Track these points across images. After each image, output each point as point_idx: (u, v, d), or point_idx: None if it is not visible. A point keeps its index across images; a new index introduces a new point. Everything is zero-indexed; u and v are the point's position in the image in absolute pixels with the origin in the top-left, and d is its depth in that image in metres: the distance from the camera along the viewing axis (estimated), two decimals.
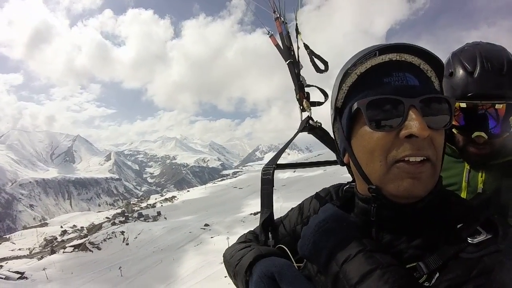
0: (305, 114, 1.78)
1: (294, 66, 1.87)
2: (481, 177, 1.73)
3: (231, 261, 1.27)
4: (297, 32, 1.91)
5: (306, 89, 1.87)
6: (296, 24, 1.93)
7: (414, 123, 0.85)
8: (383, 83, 0.93)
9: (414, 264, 0.89)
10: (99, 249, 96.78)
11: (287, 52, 1.91)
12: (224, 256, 1.42)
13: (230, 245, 1.51)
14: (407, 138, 0.86)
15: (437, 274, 0.86)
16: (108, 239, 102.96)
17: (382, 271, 0.82)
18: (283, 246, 1.24)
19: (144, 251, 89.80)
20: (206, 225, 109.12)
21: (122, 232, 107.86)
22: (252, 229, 1.59)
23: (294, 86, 1.86)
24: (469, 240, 0.85)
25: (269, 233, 1.35)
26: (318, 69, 1.86)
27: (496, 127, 1.61)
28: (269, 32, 2.05)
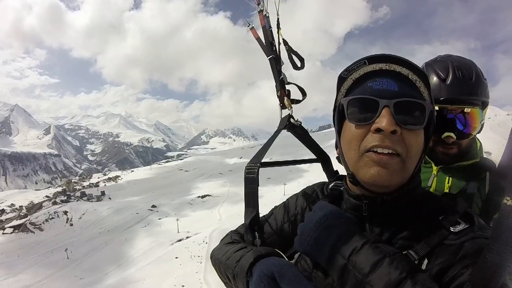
0: (284, 112, 1.81)
1: (276, 62, 1.88)
2: (448, 182, 1.87)
3: (228, 262, 1.26)
4: (278, 27, 1.91)
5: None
6: (278, 18, 1.93)
7: (383, 119, 0.99)
8: (367, 86, 1.07)
9: (405, 252, 1.00)
10: (41, 230, 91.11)
11: (269, 47, 1.89)
12: (215, 257, 1.42)
13: (217, 247, 1.51)
14: (376, 131, 1.01)
15: (426, 260, 1.00)
16: (51, 219, 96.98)
17: (390, 259, 0.90)
18: (278, 251, 1.25)
19: (90, 232, 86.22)
20: (154, 206, 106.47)
21: (65, 212, 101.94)
22: (235, 229, 1.60)
23: (275, 83, 1.87)
24: (451, 229, 1.00)
25: (256, 232, 1.37)
26: (295, 66, 1.92)
27: (464, 129, 1.78)
28: (249, 24, 2.03)
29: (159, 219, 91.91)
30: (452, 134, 1.74)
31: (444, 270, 0.95)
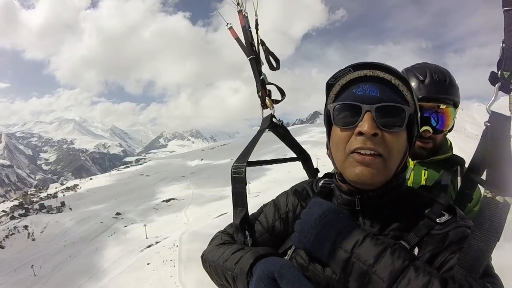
0: (266, 112, 1.81)
1: (256, 63, 1.87)
2: (424, 175, 1.97)
3: (227, 264, 1.24)
4: (257, 28, 1.92)
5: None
6: (256, 19, 1.92)
7: (365, 123, 1.07)
8: (351, 93, 1.15)
9: (397, 243, 1.06)
10: (2, 247, 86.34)
11: (249, 48, 1.88)
12: (209, 260, 1.38)
13: (208, 249, 1.46)
14: (359, 134, 1.09)
15: (417, 249, 1.10)
16: (11, 235, 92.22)
17: (391, 249, 0.98)
18: (277, 251, 1.29)
19: (54, 246, 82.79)
20: (118, 213, 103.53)
21: (26, 227, 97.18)
22: (223, 229, 1.57)
23: (256, 83, 1.86)
24: (437, 220, 1.10)
25: (246, 231, 1.39)
26: (272, 67, 1.93)
27: (439, 125, 1.90)
28: (227, 23, 2.00)
29: (125, 226, 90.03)
30: (429, 128, 1.86)
31: (434, 257, 1.06)
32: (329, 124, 1.24)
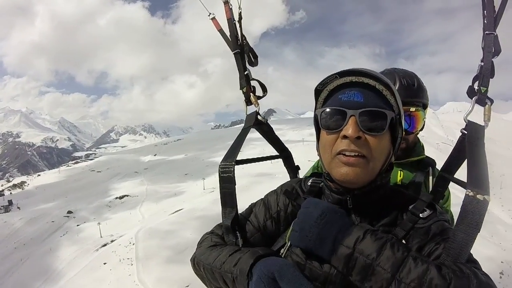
0: (250, 108, 1.79)
1: (241, 57, 1.83)
2: (400, 176, 2.04)
3: (225, 266, 1.22)
4: (240, 22, 1.87)
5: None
6: (240, 12, 1.87)
7: (349, 127, 1.15)
8: (337, 98, 1.24)
9: (393, 237, 1.13)
10: None
11: (234, 41, 1.83)
12: (203, 263, 1.34)
13: (200, 252, 1.42)
14: (344, 137, 1.17)
15: (404, 241, 1.18)
16: None
17: (390, 243, 1.05)
18: (275, 251, 1.31)
19: (4, 248, 77.59)
20: (70, 212, 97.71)
21: None
22: (210, 231, 1.54)
23: (240, 79, 1.82)
24: (420, 215, 1.21)
25: (237, 232, 1.39)
26: (251, 62, 1.90)
27: (411, 127, 2.00)
28: (210, 13, 1.93)
29: (78, 225, 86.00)
30: None
31: (421, 247, 1.17)
32: (317, 128, 1.34)
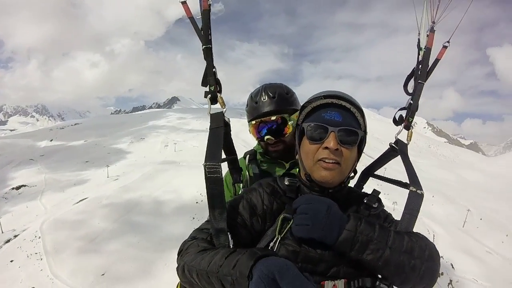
0: (215, 108, 1.73)
1: (211, 53, 1.74)
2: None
3: (223, 270, 1.17)
4: (209, 14, 1.76)
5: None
6: (210, 4, 1.75)
7: (330, 140, 1.40)
8: (321, 115, 1.47)
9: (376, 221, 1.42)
10: None
11: (207, 34, 1.73)
12: (196, 269, 1.27)
13: (189, 258, 1.34)
14: (325, 148, 1.41)
15: None
16: None
17: (379, 224, 1.35)
18: (273, 251, 1.37)
19: None
20: None
21: None
22: (192, 235, 1.49)
23: (208, 76, 1.73)
24: (373, 206, 1.54)
25: (228, 234, 1.38)
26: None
27: (279, 132, 2.21)
28: None
29: None
30: (269, 136, 2.17)
31: None
32: (300, 137, 1.57)
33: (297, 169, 1.70)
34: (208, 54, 1.73)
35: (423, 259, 1.37)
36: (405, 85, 1.94)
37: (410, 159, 1.71)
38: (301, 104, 1.60)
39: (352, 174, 1.59)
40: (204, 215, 7.78)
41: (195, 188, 8.47)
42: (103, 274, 4.95)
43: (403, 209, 1.48)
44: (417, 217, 1.47)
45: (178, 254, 1.44)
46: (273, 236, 1.42)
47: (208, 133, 1.62)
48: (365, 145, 1.57)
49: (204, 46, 1.72)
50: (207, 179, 1.46)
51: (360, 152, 1.56)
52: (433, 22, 1.90)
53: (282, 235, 1.39)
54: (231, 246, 1.37)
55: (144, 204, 7.73)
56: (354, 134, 1.45)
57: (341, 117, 1.45)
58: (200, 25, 1.75)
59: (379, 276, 1.39)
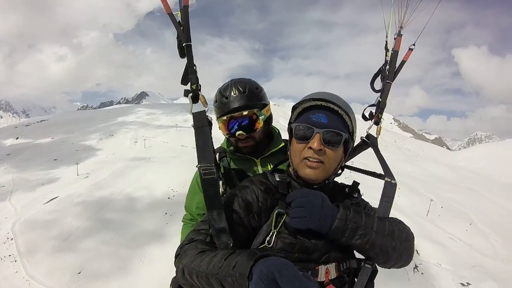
0: (196, 107, 1.71)
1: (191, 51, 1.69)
2: (270, 167, 2.24)
3: (222, 271, 1.17)
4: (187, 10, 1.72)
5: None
6: None
7: (315, 141, 1.47)
8: (308, 117, 1.53)
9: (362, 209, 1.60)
10: None
11: (187, 31, 1.69)
12: (196, 271, 1.27)
13: (188, 260, 1.34)
14: (310, 148, 1.49)
15: None
16: None
17: (364, 212, 1.49)
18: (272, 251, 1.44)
19: None
20: None
21: None
22: (189, 237, 1.49)
23: (189, 74, 1.72)
24: (354, 196, 1.69)
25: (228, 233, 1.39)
26: (182, 55, 1.77)
27: (250, 127, 2.18)
28: None
29: None
30: (241, 132, 2.13)
31: None
32: (290, 135, 1.64)
33: (287, 165, 1.75)
34: (188, 51, 1.72)
35: (401, 240, 1.55)
36: (372, 83, 2.10)
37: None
38: (293, 105, 1.68)
39: (340, 171, 1.70)
40: (176, 210, 7.99)
41: (166, 184, 8.61)
42: (79, 273, 5.05)
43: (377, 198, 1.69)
44: (392, 203, 1.65)
45: (176, 257, 1.45)
46: (269, 230, 1.50)
47: (194, 133, 1.65)
48: (353, 144, 1.69)
49: (184, 44, 1.71)
50: (203, 181, 1.50)
51: (347, 150, 1.64)
52: (401, 27, 2.04)
53: (277, 229, 1.48)
54: (231, 244, 1.39)
55: (116, 201, 7.81)
56: (338, 136, 1.52)
57: (327, 119, 1.52)
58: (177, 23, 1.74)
59: (364, 257, 1.56)
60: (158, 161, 10.86)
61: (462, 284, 5.76)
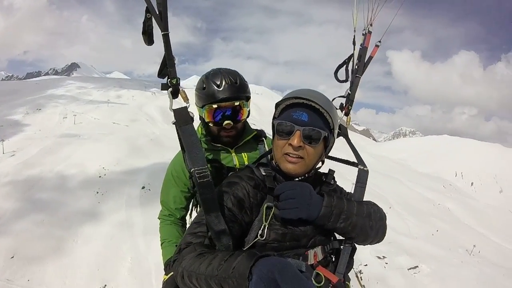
0: (177, 103, 1.64)
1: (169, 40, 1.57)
2: (245, 157, 2.33)
3: (222, 272, 1.17)
4: None
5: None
6: None
7: (295, 138, 1.51)
8: (290, 115, 1.57)
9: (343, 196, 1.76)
10: None
11: (166, 20, 1.59)
12: (195, 273, 1.28)
13: (188, 262, 1.35)
14: (290, 144, 1.53)
15: None
16: None
17: (345, 198, 1.62)
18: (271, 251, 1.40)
19: None
20: None
21: None
22: (186, 241, 1.52)
23: (169, 67, 1.63)
24: (332, 182, 1.80)
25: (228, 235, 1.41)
26: (151, 41, 1.67)
27: (237, 117, 2.23)
28: None
29: None
30: (229, 121, 2.18)
31: None
32: (273, 131, 1.68)
33: (269, 159, 1.84)
34: (167, 41, 1.59)
35: (377, 220, 1.70)
36: (336, 73, 2.26)
37: None
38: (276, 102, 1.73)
39: (320, 165, 1.76)
40: (108, 188, 7.79)
41: (98, 162, 8.42)
42: (12, 257, 5.03)
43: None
44: (365, 188, 1.80)
45: (174, 261, 1.49)
46: (260, 224, 1.55)
47: (178, 132, 1.63)
48: (334, 140, 1.74)
49: (163, 32, 1.59)
50: (199, 184, 1.48)
51: (327, 146, 1.70)
52: (370, 25, 2.18)
53: (268, 222, 1.53)
54: (230, 244, 1.42)
55: (46, 180, 7.57)
56: (318, 133, 1.56)
57: (308, 117, 1.56)
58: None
59: (343, 238, 1.69)
60: (89, 138, 10.52)
61: (379, 257, 6.53)
